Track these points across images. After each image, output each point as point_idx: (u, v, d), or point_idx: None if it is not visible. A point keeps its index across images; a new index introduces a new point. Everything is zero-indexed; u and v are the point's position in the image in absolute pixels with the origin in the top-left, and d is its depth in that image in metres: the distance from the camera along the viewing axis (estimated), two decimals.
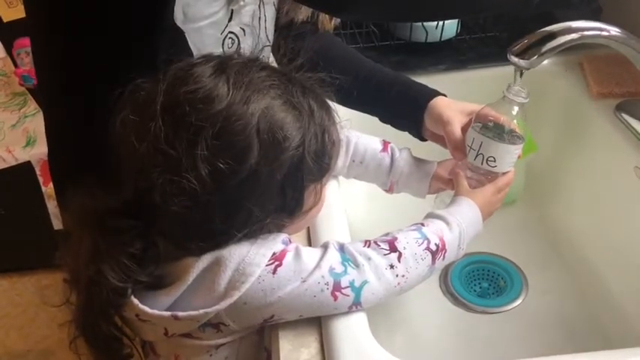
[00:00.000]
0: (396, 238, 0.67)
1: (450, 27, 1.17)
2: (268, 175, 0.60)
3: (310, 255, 0.64)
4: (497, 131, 0.77)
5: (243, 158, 0.58)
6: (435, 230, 0.69)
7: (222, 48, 0.77)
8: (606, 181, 0.98)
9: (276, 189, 0.62)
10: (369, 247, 0.66)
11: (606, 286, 0.92)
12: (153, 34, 0.70)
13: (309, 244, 0.77)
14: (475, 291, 0.95)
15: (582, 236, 1.00)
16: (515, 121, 0.77)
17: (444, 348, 0.87)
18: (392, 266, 0.65)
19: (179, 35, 0.72)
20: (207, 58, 0.64)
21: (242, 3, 0.76)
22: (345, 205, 0.83)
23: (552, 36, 0.76)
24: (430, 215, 0.73)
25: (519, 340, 0.87)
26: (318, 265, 0.63)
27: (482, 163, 0.77)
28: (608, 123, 0.97)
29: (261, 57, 0.67)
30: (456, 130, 0.81)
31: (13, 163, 1.71)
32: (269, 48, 0.87)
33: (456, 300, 0.93)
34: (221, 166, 0.58)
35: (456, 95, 0.86)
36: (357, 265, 0.64)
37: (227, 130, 0.58)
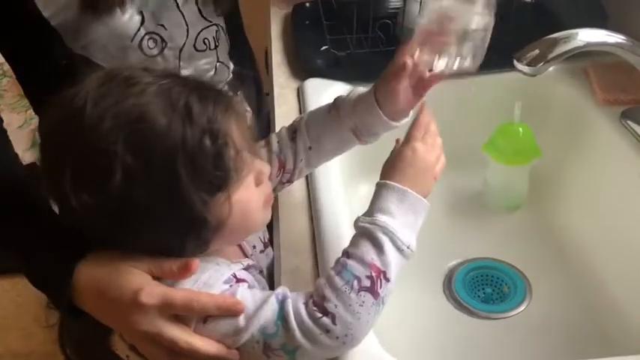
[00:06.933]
0: (324, 298, 0.58)
1: None
2: (148, 195, 0.56)
3: (247, 306, 0.59)
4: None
5: (106, 181, 0.55)
6: (360, 258, 0.60)
7: (141, 50, 0.79)
8: (611, 189, 0.98)
9: (166, 205, 0.57)
10: (306, 308, 0.59)
11: (611, 292, 0.92)
12: (49, 69, 0.75)
13: (314, 242, 0.77)
14: (479, 296, 0.95)
15: (586, 243, 1.00)
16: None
17: (447, 353, 0.87)
18: (327, 331, 0.58)
19: (82, 60, 0.76)
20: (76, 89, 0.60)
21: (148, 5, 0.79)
22: (348, 200, 0.83)
23: (558, 43, 0.76)
24: (356, 227, 0.64)
25: (522, 346, 0.87)
26: (250, 321, 0.59)
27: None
28: (614, 130, 0.97)
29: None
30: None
31: None
32: (214, 27, 0.87)
33: (459, 305, 0.93)
34: (85, 195, 0.56)
35: (461, 100, 0.86)
36: (287, 329, 0.58)
37: (88, 155, 0.56)
